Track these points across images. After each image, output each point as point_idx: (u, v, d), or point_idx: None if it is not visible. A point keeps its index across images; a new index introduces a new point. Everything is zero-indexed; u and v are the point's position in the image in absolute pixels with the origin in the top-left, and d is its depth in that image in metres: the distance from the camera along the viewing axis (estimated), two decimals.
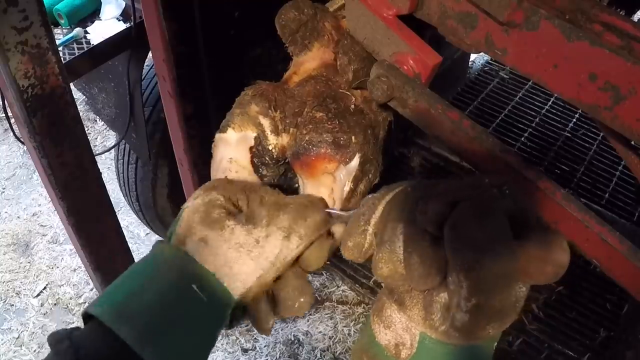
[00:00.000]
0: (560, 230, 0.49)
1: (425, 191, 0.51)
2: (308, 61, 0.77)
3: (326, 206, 0.66)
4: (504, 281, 0.45)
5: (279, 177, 0.77)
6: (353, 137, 0.69)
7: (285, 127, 0.72)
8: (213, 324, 0.56)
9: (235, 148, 0.73)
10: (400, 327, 0.51)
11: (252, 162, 0.73)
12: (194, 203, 0.60)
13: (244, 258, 0.56)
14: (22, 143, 1.13)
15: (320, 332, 2.18)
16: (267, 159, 0.73)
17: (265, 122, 0.72)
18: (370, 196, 0.57)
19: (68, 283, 2.40)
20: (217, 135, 0.75)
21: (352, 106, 0.72)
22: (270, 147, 0.72)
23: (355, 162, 0.70)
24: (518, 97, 2.68)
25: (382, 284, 0.55)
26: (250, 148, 0.73)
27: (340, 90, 0.73)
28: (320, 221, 0.62)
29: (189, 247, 0.56)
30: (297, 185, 0.78)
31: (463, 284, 0.44)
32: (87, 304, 2.38)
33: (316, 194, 0.70)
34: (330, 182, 0.70)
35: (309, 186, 0.71)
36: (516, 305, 0.46)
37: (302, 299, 0.62)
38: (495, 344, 0.51)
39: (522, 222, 0.47)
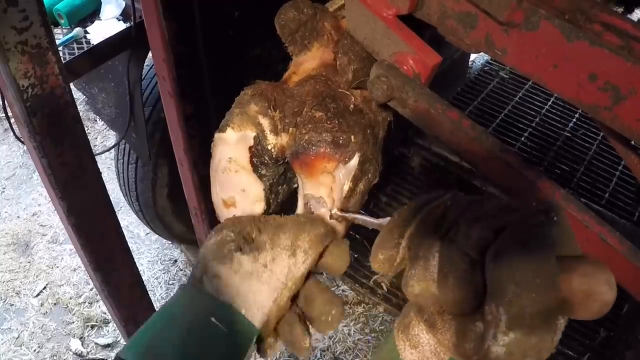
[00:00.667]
0: (606, 265, 0.48)
1: (468, 210, 0.49)
2: (307, 61, 0.77)
3: (325, 225, 0.66)
4: (544, 316, 0.44)
5: (279, 176, 0.77)
6: (352, 137, 0.69)
7: (284, 127, 0.72)
8: (237, 354, 0.57)
9: (234, 148, 0.73)
10: (429, 349, 0.50)
11: (252, 162, 0.73)
12: (207, 244, 0.62)
13: (256, 285, 0.58)
14: (22, 143, 1.13)
15: None
16: (266, 158, 0.73)
17: (265, 122, 0.72)
18: (403, 208, 0.55)
19: (68, 283, 2.40)
20: (217, 135, 0.75)
21: (352, 106, 0.72)
22: (269, 147, 0.72)
23: (355, 161, 0.70)
24: (518, 97, 2.68)
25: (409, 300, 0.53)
26: (250, 148, 0.73)
27: (340, 90, 0.73)
28: (322, 233, 0.63)
29: (206, 285, 0.58)
30: (296, 185, 0.78)
31: (502, 317, 0.43)
32: (86, 304, 2.39)
33: (315, 194, 0.70)
34: (330, 181, 0.70)
35: (308, 186, 0.71)
36: (554, 339, 0.45)
37: (333, 312, 0.62)
38: None
39: (568, 252, 0.46)
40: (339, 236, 0.70)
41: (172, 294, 2.53)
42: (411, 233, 0.52)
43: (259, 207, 0.75)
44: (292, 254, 0.60)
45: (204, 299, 0.58)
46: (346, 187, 0.71)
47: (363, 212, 0.70)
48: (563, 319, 0.45)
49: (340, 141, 0.68)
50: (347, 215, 0.69)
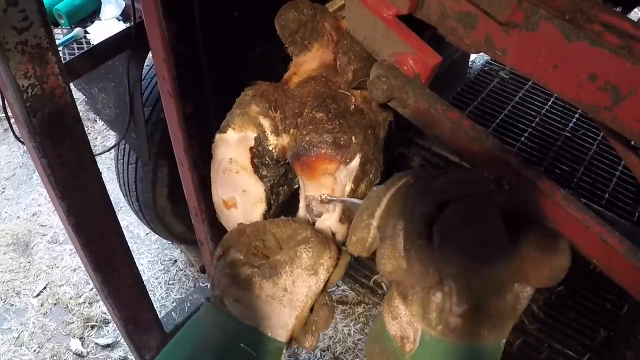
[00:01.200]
0: (560, 231, 0.47)
1: (425, 187, 0.50)
2: (308, 61, 0.77)
3: (333, 242, 0.67)
4: (496, 286, 0.44)
5: (279, 177, 0.77)
6: (353, 138, 0.69)
7: (285, 128, 0.72)
8: None
9: (235, 148, 0.73)
10: (405, 320, 0.51)
11: (252, 163, 0.73)
12: (219, 267, 0.63)
13: (278, 307, 0.59)
14: (22, 143, 1.13)
15: None
16: (267, 159, 0.73)
17: (266, 123, 0.72)
18: (375, 188, 0.56)
19: (68, 283, 2.40)
20: (217, 136, 0.75)
21: (352, 106, 0.72)
22: (270, 148, 0.72)
23: (356, 162, 0.69)
24: (518, 97, 2.68)
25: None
26: (251, 148, 0.73)
27: (340, 91, 0.73)
28: (338, 250, 0.64)
29: (229, 308, 0.60)
30: (297, 186, 0.78)
31: (453, 290, 0.44)
32: (86, 304, 2.39)
33: (317, 195, 0.70)
34: (331, 183, 0.70)
35: (310, 187, 0.71)
36: (516, 308, 0.46)
37: (327, 315, 0.65)
38: (503, 342, 0.50)
39: (520, 219, 0.46)
40: (341, 240, 0.71)
41: (172, 294, 2.51)
42: (381, 213, 0.53)
43: (259, 208, 0.75)
44: (313, 273, 0.60)
45: (230, 322, 0.59)
46: (348, 189, 0.71)
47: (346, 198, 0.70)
48: (527, 289, 0.46)
49: (341, 142, 0.68)
50: (335, 199, 0.69)
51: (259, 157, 0.73)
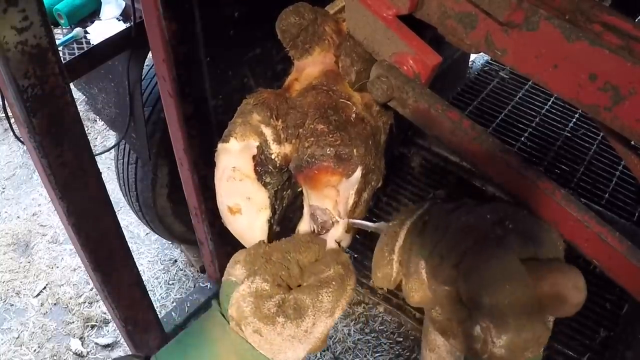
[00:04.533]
0: (574, 267, 0.55)
1: (439, 222, 0.58)
2: (309, 65, 0.77)
3: (354, 272, 0.68)
4: (527, 313, 0.50)
5: (283, 183, 0.77)
6: (355, 150, 0.69)
7: (287, 137, 0.73)
8: None
9: (238, 157, 0.73)
10: (444, 350, 0.58)
11: (256, 171, 0.74)
12: (242, 290, 0.64)
13: (296, 345, 0.62)
14: (22, 143, 1.13)
15: None
16: (270, 167, 0.73)
17: (267, 131, 0.72)
18: (390, 224, 0.63)
19: (68, 283, 2.40)
20: (220, 145, 0.75)
21: (354, 115, 0.73)
22: (273, 156, 0.73)
23: (358, 174, 0.71)
24: (518, 97, 2.68)
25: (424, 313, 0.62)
26: (253, 157, 0.73)
27: (341, 100, 0.73)
28: (355, 284, 0.66)
29: (247, 335, 0.62)
30: (300, 188, 0.78)
31: (490, 326, 0.50)
32: (86, 304, 2.39)
33: (321, 205, 0.72)
34: (334, 194, 0.71)
35: (314, 197, 0.72)
36: (547, 324, 0.52)
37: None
38: (542, 351, 0.55)
39: (538, 261, 0.53)
40: (346, 246, 0.75)
41: (172, 294, 2.50)
42: (399, 248, 0.61)
43: (264, 215, 0.76)
44: (330, 315, 0.63)
45: (247, 349, 0.62)
46: (351, 201, 0.72)
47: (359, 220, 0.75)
48: (547, 316, 0.53)
49: (343, 155, 0.69)
50: (356, 222, 0.74)
51: (262, 165, 0.73)
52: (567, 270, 0.52)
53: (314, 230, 0.74)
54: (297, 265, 0.66)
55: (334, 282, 0.64)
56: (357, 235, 0.78)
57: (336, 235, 0.73)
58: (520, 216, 0.57)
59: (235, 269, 0.67)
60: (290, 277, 0.65)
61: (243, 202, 0.75)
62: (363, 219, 0.75)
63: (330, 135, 0.69)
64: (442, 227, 0.58)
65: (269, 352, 0.62)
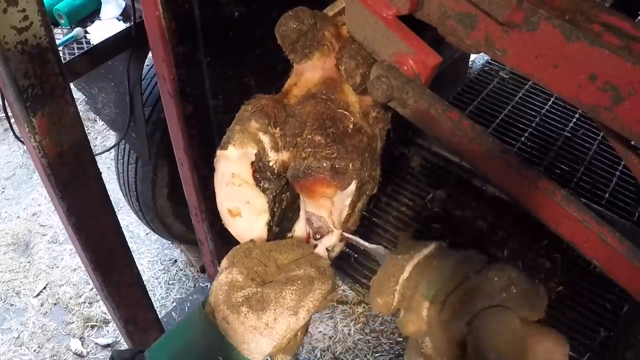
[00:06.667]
0: (563, 335, 0.62)
1: (442, 264, 0.65)
2: (309, 70, 0.77)
3: (333, 277, 0.71)
4: None
5: (282, 187, 0.78)
6: (350, 164, 0.71)
7: (285, 145, 0.73)
8: None
9: (236, 164, 0.74)
10: None
11: (254, 177, 0.74)
12: (220, 279, 0.67)
13: (257, 337, 0.65)
14: (22, 143, 1.13)
15: (320, 331, 2.19)
16: (268, 173, 0.74)
17: (265, 139, 0.73)
18: (399, 257, 0.67)
19: (68, 283, 2.40)
20: (219, 152, 0.76)
21: (351, 126, 0.73)
22: (270, 163, 0.74)
23: (352, 187, 0.72)
24: (518, 97, 2.68)
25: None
26: (252, 163, 0.74)
27: (339, 111, 0.74)
28: (328, 290, 0.68)
29: (218, 321, 0.66)
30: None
31: None
32: (86, 304, 2.39)
33: (317, 213, 0.73)
34: (329, 205, 0.72)
35: (310, 205, 0.74)
36: None
37: (297, 342, 0.70)
38: None
39: (526, 317, 0.60)
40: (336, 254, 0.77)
41: (172, 294, 2.51)
42: (404, 281, 0.66)
43: (263, 218, 0.77)
44: (294, 314, 0.64)
45: (215, 334, 0.66)
46: (344, 213, 0.74)
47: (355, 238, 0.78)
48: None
49: (339, 169, 0.70)
50: (351, 237, 0.76)
51: (260, 171, 0.74)
52: (559, 338, 0.60)
53: (309, 233, 0.76)
54: (275, 264, 0.68)
55: (299, 282, 0.66)
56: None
57: (328, 243, 0.75)
58: (522, 281, 0.62)
59: (222, 261, 0.71)
60: (266, 273, 0.68)
61: (242, 205, 0.76)
62: (357, 229, 0.78)
63: (327, 148, 0.70)
64: (452, 281, 0.63)
65: (233, 340, 0.65)
